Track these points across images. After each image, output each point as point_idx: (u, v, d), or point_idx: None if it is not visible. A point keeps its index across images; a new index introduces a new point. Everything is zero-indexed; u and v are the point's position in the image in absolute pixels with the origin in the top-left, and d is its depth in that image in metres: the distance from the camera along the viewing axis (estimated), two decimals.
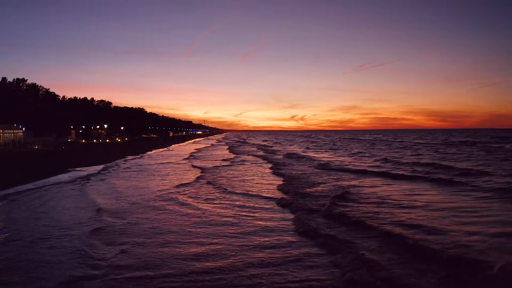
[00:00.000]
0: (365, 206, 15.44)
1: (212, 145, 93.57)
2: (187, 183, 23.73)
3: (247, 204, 16.61)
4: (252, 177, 26.67)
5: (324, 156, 48.35)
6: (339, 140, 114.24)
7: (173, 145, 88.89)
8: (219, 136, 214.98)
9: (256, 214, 14.57)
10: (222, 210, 15.42)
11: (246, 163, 39.60)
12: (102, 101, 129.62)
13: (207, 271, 8.70)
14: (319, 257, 9.58)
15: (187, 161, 42.68)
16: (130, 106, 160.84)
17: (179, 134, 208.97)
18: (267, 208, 15.75)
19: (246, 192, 19.85)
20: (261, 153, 56.57)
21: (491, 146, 62.18)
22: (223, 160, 44.29)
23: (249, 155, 52.78)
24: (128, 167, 34.60)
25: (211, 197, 18.58)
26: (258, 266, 9.01)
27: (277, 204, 16.54)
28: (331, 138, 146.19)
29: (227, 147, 80.00)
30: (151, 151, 63.60)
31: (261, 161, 41.95)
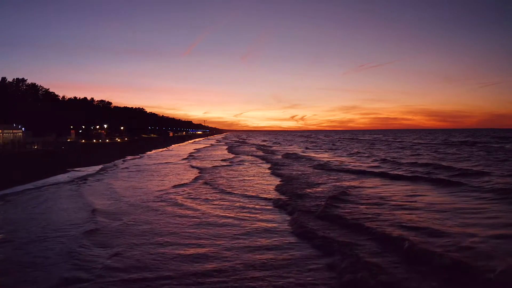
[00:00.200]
0: (364, 206, 15.29)
1: (212, 145, 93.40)
2: (186, 183, 23.60)
3: (244, 205, 16.46)
4: (250, 178, 26.53)
5: (323, 156, 48.20)
6: (339, 140, 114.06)
7: (173, 145, 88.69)
8: (219, 136, 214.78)
9: (253, 215, 14.41)
10: (221, 212, 15.27)
11: (245, 163, 39.47)
12: (102, 101, 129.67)
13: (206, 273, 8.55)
14: (318, 259, 9.42)
15: (186, 161, 42.54)
16: (130, 106, 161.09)
17: (179, 134, 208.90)
18: (264, 209, 15.58)
19: (243, 193, 19.68)
20: (260, 153, 56.41)
21: (491, 146, 62.08)
22: (222, 160, 44.16)
23: (248, 155, 52.60)
24: (126, 167, 34.44)
25: (210, 198, 18.44)
26: (259, 268, 8.87)
27: (274, 205, 16.38)
28: (331, 138, 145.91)
29: (227, 147, 79.80)
30: (150, 151, 63.43)
31: (260, 161, 41.79)
